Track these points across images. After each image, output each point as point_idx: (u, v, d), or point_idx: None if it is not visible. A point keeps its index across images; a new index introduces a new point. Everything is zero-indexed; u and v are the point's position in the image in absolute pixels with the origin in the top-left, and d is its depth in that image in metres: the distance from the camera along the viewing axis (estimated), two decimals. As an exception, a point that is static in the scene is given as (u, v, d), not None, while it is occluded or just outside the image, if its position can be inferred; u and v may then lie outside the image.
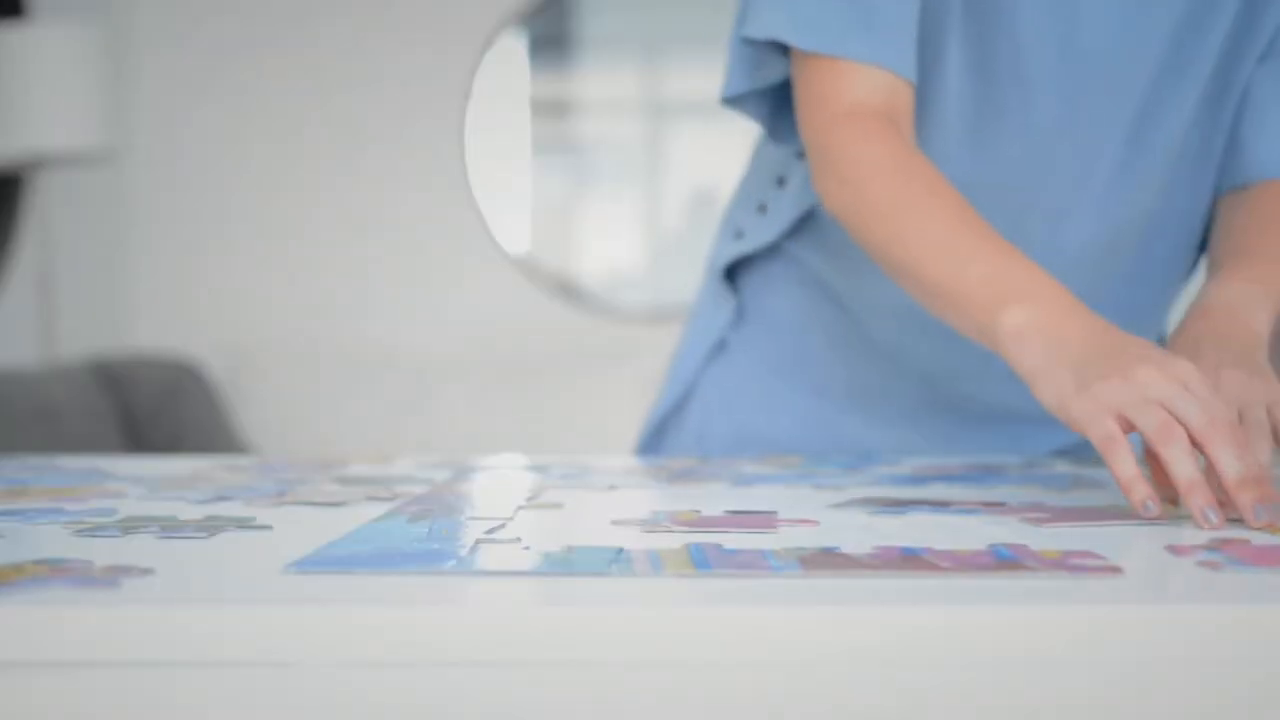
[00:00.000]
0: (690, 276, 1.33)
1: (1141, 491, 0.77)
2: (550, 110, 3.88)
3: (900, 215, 0.96)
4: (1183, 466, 0.76)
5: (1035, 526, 0.74)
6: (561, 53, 3.86)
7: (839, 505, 0.83)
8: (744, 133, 1.26)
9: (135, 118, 3.63)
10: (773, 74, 1.06)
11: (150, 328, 3.65)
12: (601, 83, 3.86)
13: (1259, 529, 0.74)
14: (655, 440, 1.28)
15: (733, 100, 1.09)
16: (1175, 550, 0.67)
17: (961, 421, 1.18)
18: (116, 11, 3.56)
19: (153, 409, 3.03)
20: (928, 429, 1.18)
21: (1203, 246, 1.15)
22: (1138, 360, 0.80)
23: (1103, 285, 1.09)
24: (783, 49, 1.04)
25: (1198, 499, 0.75)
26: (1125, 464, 0.78)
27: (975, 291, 0.90)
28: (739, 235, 1.22)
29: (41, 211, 3.12)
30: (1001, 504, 0.83)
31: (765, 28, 1.01)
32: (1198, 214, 1.12)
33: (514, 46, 3.77)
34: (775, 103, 1.10)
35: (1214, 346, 0.91)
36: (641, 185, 3.92)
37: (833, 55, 0.99)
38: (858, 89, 0.99)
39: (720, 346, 1.24)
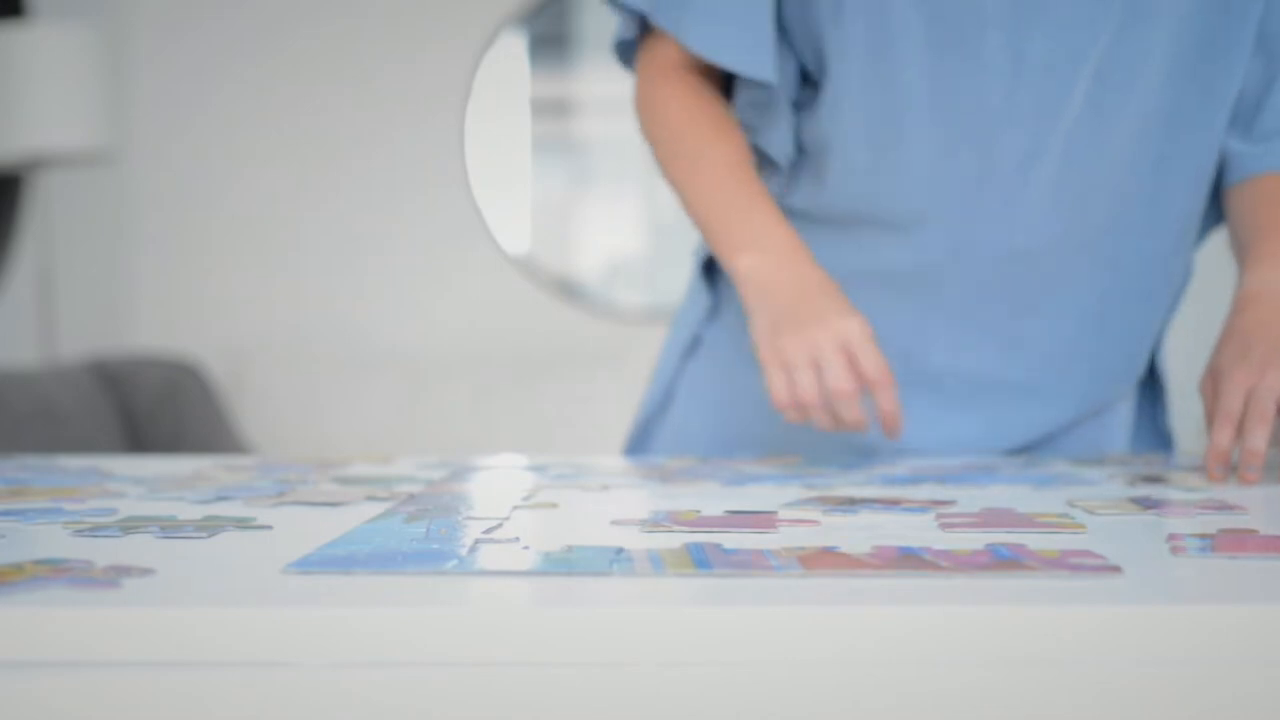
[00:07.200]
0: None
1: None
2: (550, 110, 3.88)
3: (677, 162, 1.13)
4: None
5: (942, 531, 0.73)
6: (561, 52, 3.86)
7: (791, 504, 0.83)
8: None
9: (135, 118, 3.63)
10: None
11: (150, 328, 3.65)
12: (601, 82, 3.86)
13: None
14: (641, 442, 1.28)
15: (621, 49, 1.23)
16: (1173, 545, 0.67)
17: (943, 401, 1.17)
18: (116, 11, 3.56)
19: (153, 409, 3.03)
20: (905, 409, 1.18)
21: (1215, 196, 1.17)
22: (817, 319, 0.99)
23: (1109, 235, 1.12)
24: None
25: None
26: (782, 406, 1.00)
27: (721, 236, 1.08)
28: None
29: (41, 211, 3.12)
30: (952, 502, 0.83)
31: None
32: (1200, 170, 1.13)
33: (514, 46, 3.77)
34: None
35: (1262, 340, 0.98)
36: (641, 184, 3.92)
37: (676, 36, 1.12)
38: (673, 47, 1.15)
39: (695, 344, 1.25)
